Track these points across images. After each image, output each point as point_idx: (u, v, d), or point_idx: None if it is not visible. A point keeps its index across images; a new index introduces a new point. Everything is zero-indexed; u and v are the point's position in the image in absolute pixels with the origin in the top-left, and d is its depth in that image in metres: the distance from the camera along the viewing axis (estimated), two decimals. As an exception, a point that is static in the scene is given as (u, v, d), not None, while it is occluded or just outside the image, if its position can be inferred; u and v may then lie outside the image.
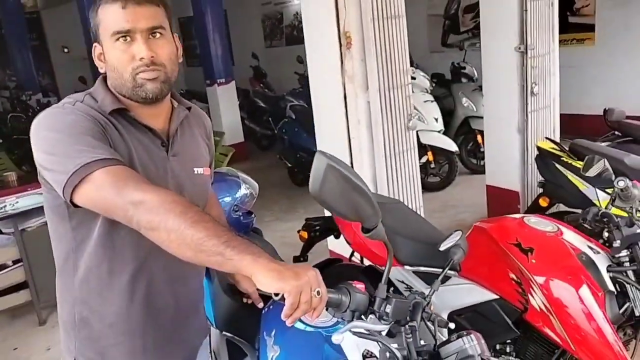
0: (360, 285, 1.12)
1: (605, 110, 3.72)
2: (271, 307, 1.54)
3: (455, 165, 5.40)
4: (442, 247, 1.61)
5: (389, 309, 1.12)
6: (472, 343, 1.14)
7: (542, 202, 3.22)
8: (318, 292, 0.98)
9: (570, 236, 1.82)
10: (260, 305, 1.59)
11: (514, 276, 1.78)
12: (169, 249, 1.03)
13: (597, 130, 4.29)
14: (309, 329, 1.38)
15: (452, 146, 5.31)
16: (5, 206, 3.35)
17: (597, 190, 2.80)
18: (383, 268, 2.27)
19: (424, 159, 5.39)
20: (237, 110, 7.73)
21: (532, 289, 1.70)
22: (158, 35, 1.19)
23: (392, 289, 1.26)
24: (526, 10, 3.81)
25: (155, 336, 1.31)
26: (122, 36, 1.16)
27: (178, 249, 1.01)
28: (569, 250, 1.73)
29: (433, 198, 5.28)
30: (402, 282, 2.14)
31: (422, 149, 5.34)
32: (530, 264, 1.71)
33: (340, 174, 1.00)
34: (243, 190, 2.12)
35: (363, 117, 3.14)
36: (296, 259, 2.70)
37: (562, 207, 3.19)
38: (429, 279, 2.10)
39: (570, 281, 1.65)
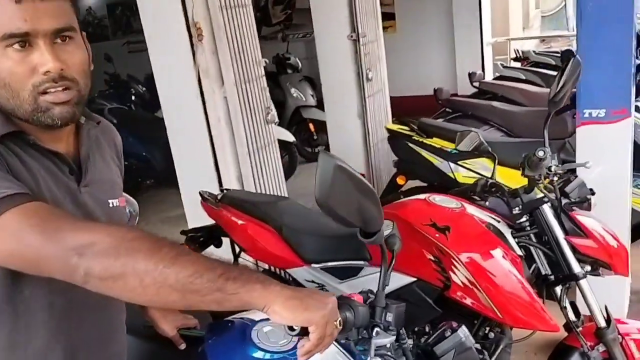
0: (358, 297, 1.00)
1: (435, 90, 4.04)
2: (209, 342, 1.32)
3: (295, 155, 5.44)
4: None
5: (390, 317, 1.01)
6: (467, 334, 1.11)
7: (399, 180, 3.37)
8: (340, 322, 0.85)
9: (473, 210, 1.90)
10: (182, 346, 1.36)
11: (431, 256, 1.80)
12: (140, 298, 0.81)
13: (416, 110, 4.62)
14: (267, 356, 1.22)
15: (289, 137, 5.32)
16: None
17: (451, 164, 3.01)
18: (280, 270, 2.15)
19: (262, 153, 5.34)
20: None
21: (454, 265, 1.73)
22: (67, 39, 0.90)
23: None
24: (354, -2, 3.95)
25: None
26: (18, 41, 0.85)
27: (156, 294, 0.78)
28: (480, 224, 1.81)
29: (278, 190, 5.26)
30: (312, 281, 2.04)
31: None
32: (450, 242, 1.74)
33: (348, 174, 0.87)
34: (124, 209, 1.80)
35: (222, 113, 2.94)
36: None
37: (417, 183, 3.38)
38: (337, 273, 2.04)
39: (489, 252, 1.72)
